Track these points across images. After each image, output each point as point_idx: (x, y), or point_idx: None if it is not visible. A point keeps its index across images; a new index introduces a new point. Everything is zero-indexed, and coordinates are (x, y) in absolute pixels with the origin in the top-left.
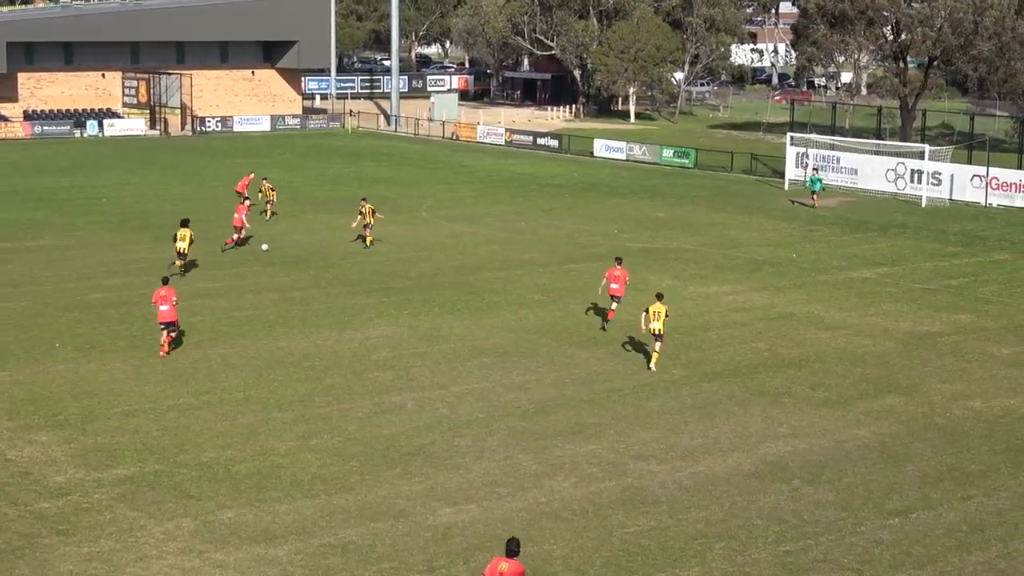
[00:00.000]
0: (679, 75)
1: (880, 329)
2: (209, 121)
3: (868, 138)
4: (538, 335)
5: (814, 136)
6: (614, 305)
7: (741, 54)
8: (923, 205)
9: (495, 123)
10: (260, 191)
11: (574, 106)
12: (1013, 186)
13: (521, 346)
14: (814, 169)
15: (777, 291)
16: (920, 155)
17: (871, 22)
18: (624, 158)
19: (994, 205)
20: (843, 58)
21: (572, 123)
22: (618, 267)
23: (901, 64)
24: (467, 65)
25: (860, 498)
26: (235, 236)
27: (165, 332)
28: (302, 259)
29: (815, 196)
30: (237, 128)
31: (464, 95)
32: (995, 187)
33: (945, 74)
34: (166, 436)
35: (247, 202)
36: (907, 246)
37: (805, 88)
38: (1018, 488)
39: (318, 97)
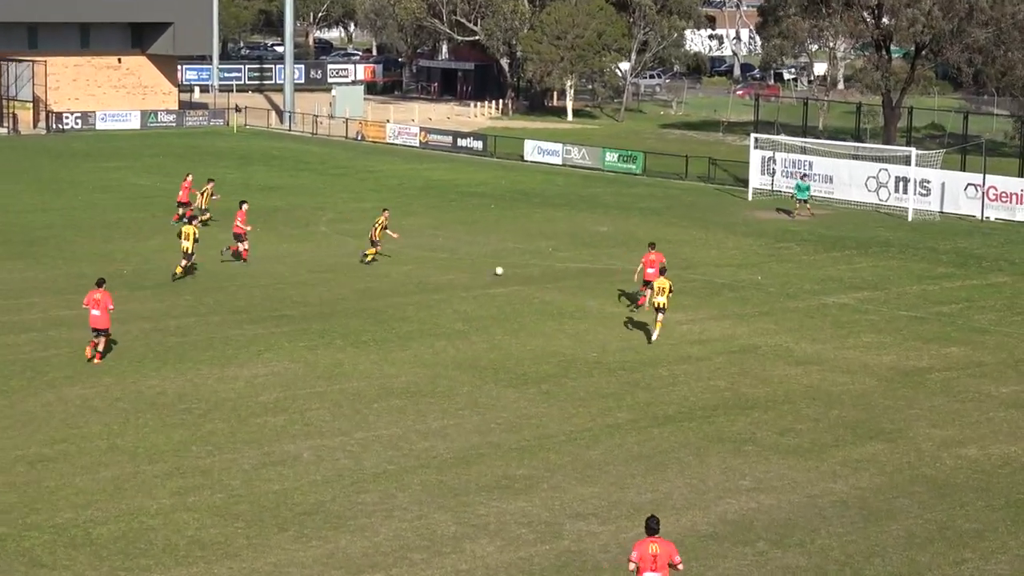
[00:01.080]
0: (625, 66)
1: (859, 364)
2: (67, 117)
3: (845, 140)
4: (458, 371)
5: (782, 138)
6: (647, 292)
7: (697, 41)
8: (909, 219)
9: (408, 121)
10: (202, 193)
11: (501, 101)
12: (1014, 197)
13: (438, 385)
14: (802, 176)
15: (739, 319)
16: (906, 160)
17: (849, 4)
18: (560, 163)
19: (992, 219)
20: (816, 46)
21: (499, 121)
22: (652, 252)
23: (884, 54)
24: (375, 52)
25: (836, 563)
26: (240, 245)
27: (95, 339)
28: (177, 282)
29: (801, 204)
30: (100, 125)
31: (371, 88)
32: (993, 198)
33: (935, 66)
34: (13, 493)
35: (245, 206)
36: (891, 267)
37: (772, 81)
38: (1019, 550)
39: (197, 89)
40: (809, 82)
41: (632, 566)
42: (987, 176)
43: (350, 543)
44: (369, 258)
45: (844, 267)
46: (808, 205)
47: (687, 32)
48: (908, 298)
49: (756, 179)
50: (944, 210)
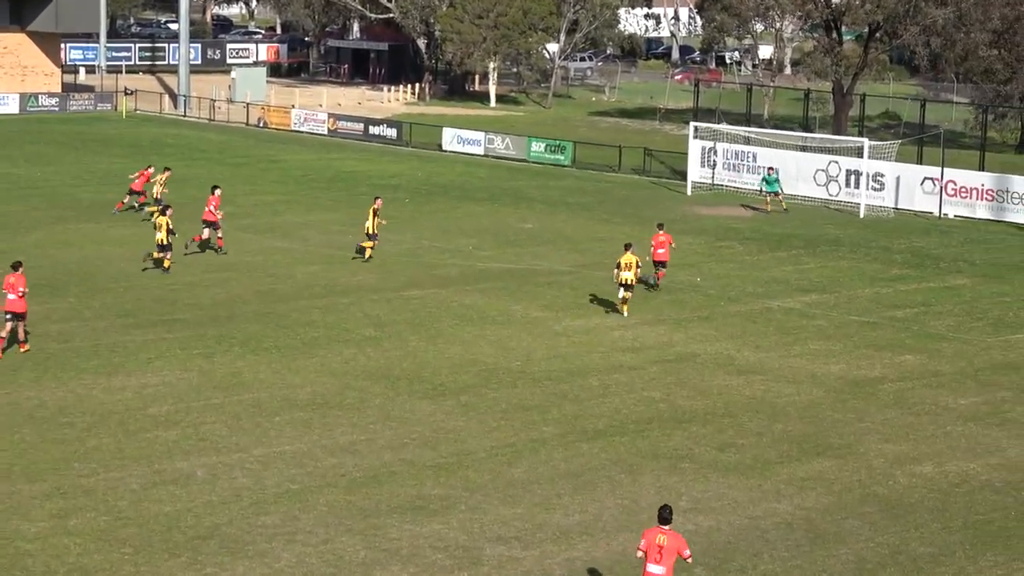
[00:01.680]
0: (553, 47)
1: (806, 374)
2: None
3: (793, 130)
4: (370, 381)
5: (724, 127)
6: (661, 270)
7: (632, 21)
8: (861, 215)
9: (315, 107)
10: (154, 181)
11: (418, 86)
12: (974, 192)
13: (347, 396)
14: (769, 168)
15: (677, 325)
16: (858, 152)
17: None
18: (482, 153)
19: (950, 216)
20: (762, 27)
21: (415, 107)
22: (661, 233)
23: (834, 36)
24: (279, 31)
25: None
26: (205, 233)
27: (11, 323)
28: (59, 282)
29: (773, 198)
30: None
31: (275, 70)
32: (951, 193)
33: (889, 49)
34: None
35: (218, 191)
36: (841, 268)
37: (713, 65)
38: None
39: (83, 70)
40: (753, 66)
41: (639, 554)
42: (945, 169)
43: (248, 570)
44: (368, 255)
45: (790, 268)
46: (780, 197)
47: (621, 11)
48: (859, 302)
49: (695, 172)
50: (899, 206)
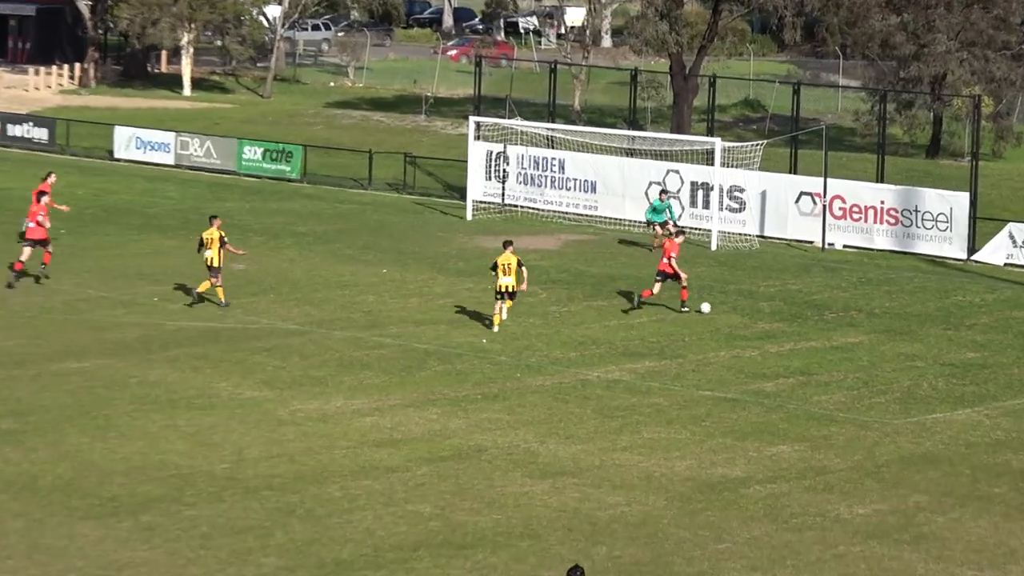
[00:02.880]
0: (274, 11)
1: (640, 475)
2: None
3: (615, 126)
4: (7, 496)
5: (517, 122)
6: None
7: None
8: (713, 247)
9: None
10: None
11: (79, 66)
12: (871, 212)
13: None
14: (662, 193)
15: (454, 407)
16: (707, 157)
17: None
18: (172, 162)
19: (838, 246)
20: None
21: (75, 97)
22: (679, 237)
23: None
24: None
25: None
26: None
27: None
28: None
29: (663, 230)
30: None
31: None
32: (839, 214)
33: (749, 13)
34: None
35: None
36: (685, 322)
37: (502, 36)
38: None
39: None
40: (559, 37)
41: None
42: (831, 181)
43: None
44: (218, 295)
45: (615, 323)
46: (670, 225)
47: None
48: (713, 370)
49: (478, 187)
50: (766, 233)
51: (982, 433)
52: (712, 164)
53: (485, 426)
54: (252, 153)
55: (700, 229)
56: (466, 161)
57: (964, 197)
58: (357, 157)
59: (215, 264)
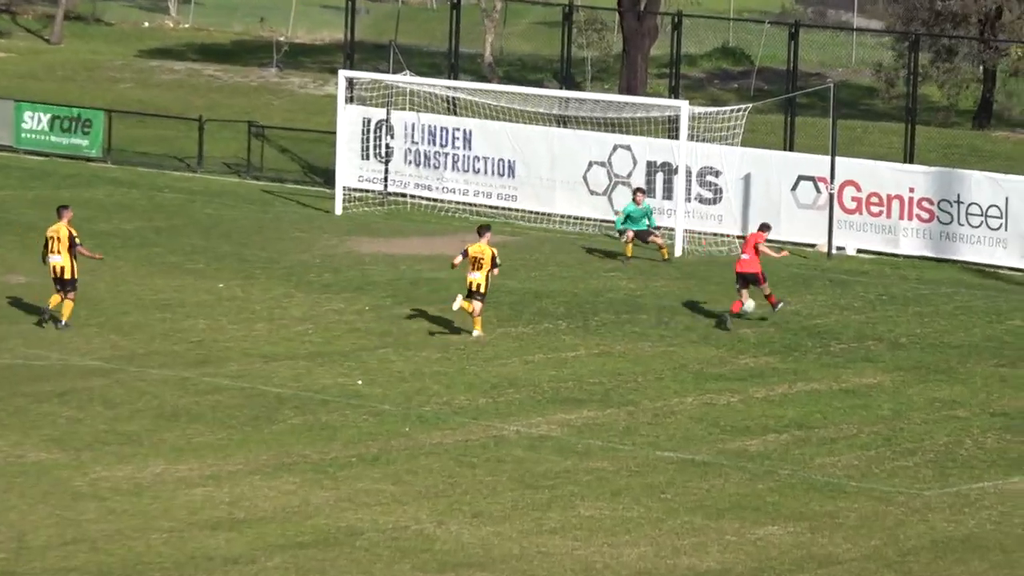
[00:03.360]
0: None
1: (577, 567)
2: None
3: (541, 84)
4: None
5: (406, 78)
6: (743, 293)
7: None
8: (679, 251)
9: None
10: None
11: None
12: (895, 204)
13: None
14: (637, 192)
15: (320, 473)
16: (668, 126)
17: None
18: None
19: (849, 251)
20: None
21: None
22: (766, 231)
23: None
24: None
25: None
26: None
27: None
28: None
29: (653, 240)
30: None
31: None
32: (852, 207)
33: None
34: None
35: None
36: (641, 354)
37: None
38: None
39: None
40: None
41: None
42: (840, 161)
43: None
44: (65, 315)
45: (540, 356)
46: (657, 237)
47: None
48: (677, 422)
49: (351, 168)
50: (751, 232)
51: None
52: (676, 137)
53: (361, 500)
54: (34, 121)
55: (659, 228)
56: (334, 133)
57: None
58: (182, 127)
59: (67, 276)
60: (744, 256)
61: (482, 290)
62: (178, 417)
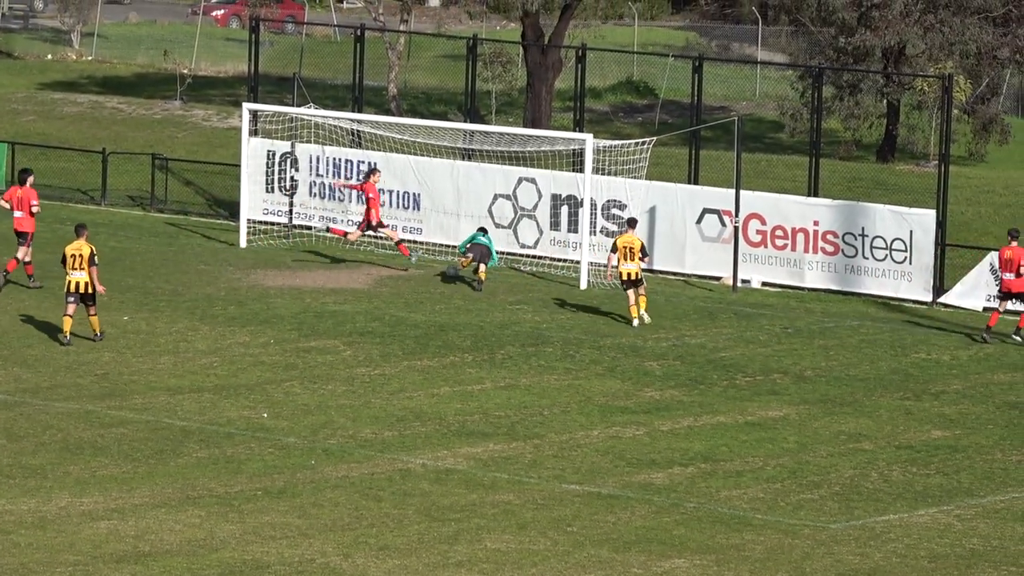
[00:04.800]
0: None
1: None
2: None
3: (444, 117)
4: None
5: (310, 111)
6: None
7: None
8: (583, 284)
9: None
10: None
11: None
12: (800, 237)
13: None
14: (482, 229)
15: (225, 506)
16: (572, 159)
17: None
18: None
19: (755, 284)
20: None
21: None
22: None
23: None
24: None
25: None
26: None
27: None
28: None
29: (477, 274)
30: None
31: None
32: (757, 240)
33: None
34: None
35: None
36: (547, 387)
37: None
38: None
39: None
40: None
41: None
42: (745, 194)
43: None
44: (96, 328)
45: (447, 390)
46: (474, 264)
47: None
48: (583, 455)
49: (255, 201)
50: (656, 267)
51: (952, 541)
52: (581, 170)
53: (267, 533)
54: None
55: (564, 261)
56: (238, 165)
57: (929, 217)
58: (86, 160)
59: (89, 291)
60: (1007, 275)
61: (636, 276)
62: (83, 450)
